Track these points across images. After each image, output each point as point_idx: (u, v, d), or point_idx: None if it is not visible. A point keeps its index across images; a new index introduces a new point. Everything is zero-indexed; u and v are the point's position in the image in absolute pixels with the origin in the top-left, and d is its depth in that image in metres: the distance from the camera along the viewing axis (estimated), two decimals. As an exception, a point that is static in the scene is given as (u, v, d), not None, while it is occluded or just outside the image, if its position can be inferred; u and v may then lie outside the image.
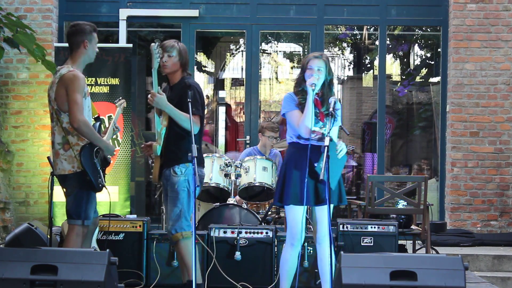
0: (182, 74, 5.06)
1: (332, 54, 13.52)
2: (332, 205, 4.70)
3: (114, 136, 7.32)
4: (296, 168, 4.66)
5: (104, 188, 4.87)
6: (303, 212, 4.73)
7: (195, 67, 8.98)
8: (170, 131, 4.94)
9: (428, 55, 12.45)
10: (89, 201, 4.81)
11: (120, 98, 5.46)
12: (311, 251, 5.65)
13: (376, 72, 10.85)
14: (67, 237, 4.83)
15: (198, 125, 4.90)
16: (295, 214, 4.71)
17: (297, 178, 4.65)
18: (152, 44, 4.85)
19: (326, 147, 4.25)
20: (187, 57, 5.11)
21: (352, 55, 13.63)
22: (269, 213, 6.58)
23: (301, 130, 4.66)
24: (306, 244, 5.61)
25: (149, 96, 4.88)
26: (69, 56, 4.92)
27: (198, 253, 5.46)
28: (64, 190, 4.86)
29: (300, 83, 4.79)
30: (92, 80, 7.46)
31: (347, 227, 5.83)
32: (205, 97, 5.35)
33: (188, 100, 4.70)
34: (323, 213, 4.68)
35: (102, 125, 5.10)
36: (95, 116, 5.09)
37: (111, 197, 5.39)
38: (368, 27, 11.38)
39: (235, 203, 6.40)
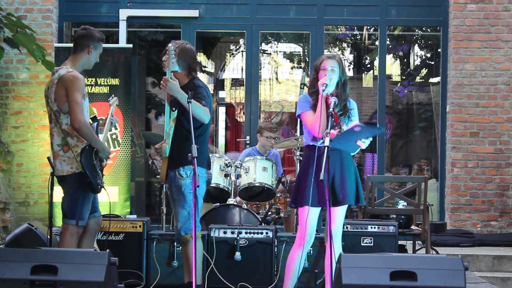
0: (189, 76, 5.05)
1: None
2: (345, 206, 4.74)
3: (114, 137, 7.34)
4: (310, 170, 4.66)
5: (103, 189, 4.87)
6: (316, 214, 4.73)
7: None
8: (176, 132, 4.93)
9: (428, 55, 12.46)
10: (84, 201, 4.80)
11: (113, 96, 5.45)
12: (311, 252, 5.65)
13: (376, 73, 10.85)
14: (61, 236, 4.82)
15: (209, 114, 4.89)
16: (306, 215, 4.71)
17: (310, 180, 4.66)
18: (169, 44, 4.81)
19: (326, 148, 4.25)
20: (192, 59, 5.05)
21: (352, 55, 13.64)
22: (269, 213, 6.58)
23: (314, 130, 4.65)
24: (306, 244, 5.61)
25: (161, 82, 4.83)
26: (70, 57, 4.92)
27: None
28: (63, 189, 4.87)
29: (314, 84, 4.75)
30: (92, 80, 7.46)
31: (347, 227, 5.83)
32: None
33: (188, 101, 4.70)
34: (334, 212, 4.69)
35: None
36: (92, 116, 5.09)
37: (111, 197, 5.41)
38: (368, 27, 11.38)
39: (235, 203, 6.40)
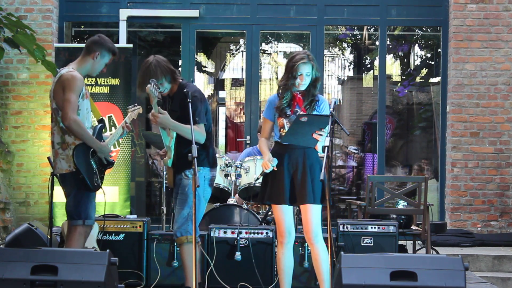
0: (176, 82, 5.01)
1: (332, 54, 13.52)
2: (316, 205, 4.68)
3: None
4: (279, 168, 4.67)
5: (100, 188, 4.86)
6: (290, 211, 4.75)
7: (195, 68, 8.98)
8: (180, 139, 4.91)
9: (428, 55, 12.45)
10: (88, 200, 4.82)
11: (136, 104, 5.42)
12: (311, 252, 5.64)
13: (376, 73, 10.85)
14: (69, 237, 4.83)
15: (204, 133, 4.89)
16: (277, 212, 4.74)
17: (275, 177, 4.68)
18: (148, 85, 4.70)
19: (326, 147, 4.24)
20: (168, 66, 4.96)
21: (352, 55, 13.63)
22: (269, 213, 6.58)
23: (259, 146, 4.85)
24: (306, 244, 5.61)
25: (150, 116, 4.83)
26: (77, 59, 4.97)
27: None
28: (64, 189, 4.88)
29: (287, 87, 4.70)
30: (92, 80, 7.47)
31: (347, 227, 5.84)
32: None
33: (188, 100, 4.71)
34: (306, 213, 4.68)
35: (104, 129, 5.08)
36: (99, 118, 5.10)
37: (111, 197, 5.41)
38: (368, 27, 11.37)
39: (235, 203, 6.40)
